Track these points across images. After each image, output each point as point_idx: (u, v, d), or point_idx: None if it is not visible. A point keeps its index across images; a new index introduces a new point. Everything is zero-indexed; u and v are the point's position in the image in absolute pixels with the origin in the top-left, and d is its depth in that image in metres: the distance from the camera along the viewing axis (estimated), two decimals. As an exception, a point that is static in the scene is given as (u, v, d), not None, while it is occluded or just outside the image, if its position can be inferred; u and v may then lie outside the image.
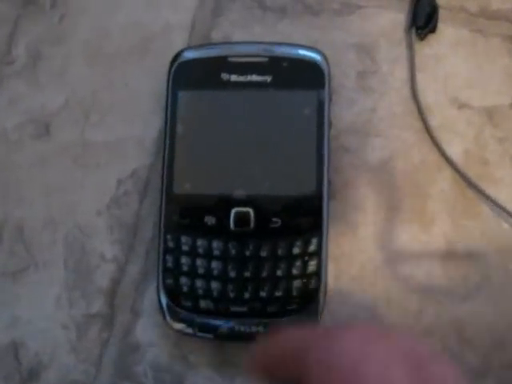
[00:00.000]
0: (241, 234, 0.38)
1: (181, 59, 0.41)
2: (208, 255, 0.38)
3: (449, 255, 0.41)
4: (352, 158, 0.42)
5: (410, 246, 0.41)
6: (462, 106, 0.43)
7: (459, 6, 0.44)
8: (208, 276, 0.38)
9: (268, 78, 0.39)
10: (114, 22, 0.45)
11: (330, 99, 0.40)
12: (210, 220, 0.38)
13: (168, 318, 0.39)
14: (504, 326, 0.40)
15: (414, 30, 0.43)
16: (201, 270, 0.38)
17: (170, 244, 0.38)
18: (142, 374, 0.41)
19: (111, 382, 0.41)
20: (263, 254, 0.37)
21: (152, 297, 0.40)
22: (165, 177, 0.39)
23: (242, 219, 0.38)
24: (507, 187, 0.42)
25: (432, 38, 0.44)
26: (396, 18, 0.44)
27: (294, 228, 0.38)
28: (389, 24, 0.44)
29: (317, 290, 0.38)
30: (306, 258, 0.38)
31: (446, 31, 0.44)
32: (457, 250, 0.41)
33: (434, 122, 0.43)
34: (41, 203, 0.43)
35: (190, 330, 0.38)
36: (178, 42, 0.44)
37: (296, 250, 0.37)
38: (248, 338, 0.38)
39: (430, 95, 0.43)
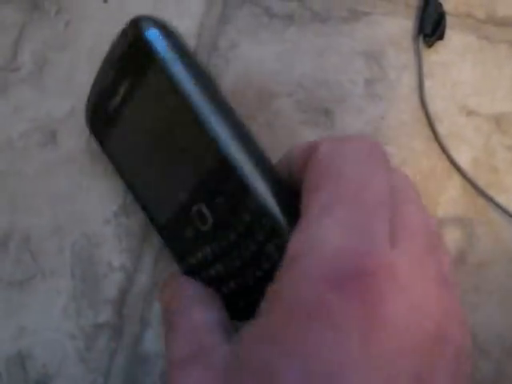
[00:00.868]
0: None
1: None
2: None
3: (459, 263, 0.41)
4: (361, 166, 0.42)
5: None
6: (470, 113, 0.43)
7: (466, 13, 0.44)
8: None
9: None
10: (120, 27, 0.44)
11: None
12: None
13: None
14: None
15: (421, 37, 0.43)
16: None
17: None
18: (151, 385, 0.40)
19: (120, 393, 0.40)
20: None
21: (161, 306, 0.40)
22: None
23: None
24: (516, 195, 0.42)
25: (439, 45, 0.44)
26: (403, 25, 0.44)
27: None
28: (396, 31, 0.44)
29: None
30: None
31: (454, 38, 0.44)
32: (467, 257, 0.41)
33: (442, 129, 0.42)
34: (47, 212, 0.42)
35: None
36: (186, 49, 0.44)
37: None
38: None
39: (438, 102, 0.43)
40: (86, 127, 0.40)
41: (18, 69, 0.45)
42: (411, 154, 0.42)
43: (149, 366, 0.40)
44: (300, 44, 0.44)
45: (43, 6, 0.45)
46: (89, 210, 0.42)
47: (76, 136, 0.43)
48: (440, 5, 0.43)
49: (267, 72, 0.43)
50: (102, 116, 0.36)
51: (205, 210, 0.31)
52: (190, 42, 0.44)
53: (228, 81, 0.43)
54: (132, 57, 0.34)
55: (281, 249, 0.27)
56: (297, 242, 0.25)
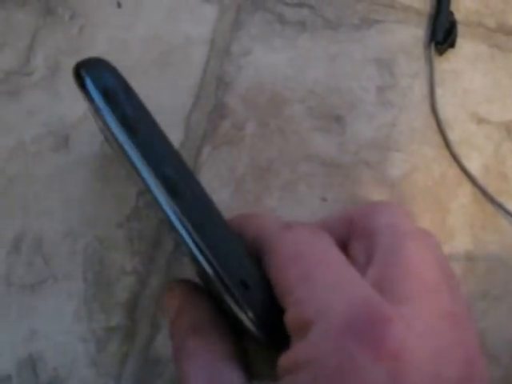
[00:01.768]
0: None
1: None
2: None
3: (469, 269, 0.41)
4: (373, 173, 0.42)
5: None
6: (480, 120, 0.43)
7: (477, 22, 0.45)
8: None
9: None
10: (134, 34, 0.45)
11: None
12: None
13: None
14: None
15: (433, 45, 0.44)
16: None
17: None
18: (162, 388, 0.40)
19: (131, 396, 0.41)
20: None
21: (172, 310, 0.40)
22: None
23: None
24: (526, 202, 0.42)
25: (451, 53, 0.44)
26: (415, 33, 0.44)
27: None
28: (408, 39, 0.44)
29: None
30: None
31: (465, 46, 0.44)
32: (477, 264, 0.41)
33: (453, 136, 0.43)
34: (60, 215, 0.43)
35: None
36: (198, 55, 0.44)
37: None
38: None
39: (449, 110, 0.43)
40: (98, 132, 0.41)
41: (31, 73, 0.45)
42: (422, 161, 0.42)
43: (160, 370, 0.41)
44: (312, 51, 0.44)
45: (57, 10, 0.45)
46: (101, 214, 0.43)
47: (88, 140, 0.44)
48: (451, 13, 0.44)
49: (279, 78, 0.44)
50: None
51: None
52: (204, 48, 0.44)
53: (240, 86, 0.44)
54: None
55: None
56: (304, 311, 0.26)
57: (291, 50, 0.44)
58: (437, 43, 0.43)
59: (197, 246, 0.28)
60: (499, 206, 0.42)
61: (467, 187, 0.42)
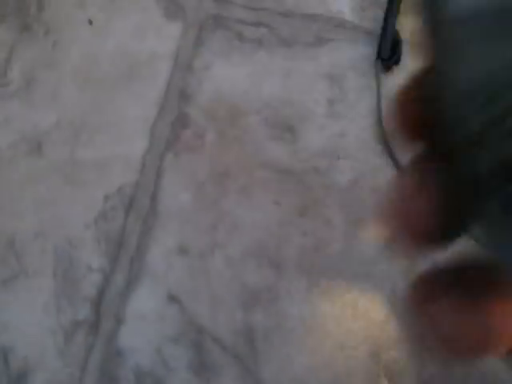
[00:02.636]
0: None
1: None
2: None
3: (412, 267, 0.44)
4: (323, 179, 0.46)
5: (376, 260, 0.44)
6: (423, 132, 0.47)
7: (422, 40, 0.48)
8: None
9: None
10: (104, 49, 0.49)
11: None
12: None
13: None
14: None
15: (379, 62, 0.47)
16: None
17: None
18: (124, 378, 0.43)
19: (95, 385, 0.44)
20: None
21: (135, 304, 0.44)
22: None
23: None
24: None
25: (397, 69, 0.48)
26: (363, 51, 0.48)
27: None
28: (357, 56, 0.48)
29: None
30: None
31: (410, 63, 0.48)
32: (419, 263, 0.45)
33: (397, 146, 0.46)
34: (32, 217, 0.46)
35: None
36: (163, 69, 0.48)
37: None
38: None
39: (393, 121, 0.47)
40: (70, 139, 0.44)
41: (7, 84, 0.48)
42: (368, 168, 0.46)
43: (123, 360, 0.44)
44: (268, 66, 0.48)
45: (33, 27, 0.49)
46: (70, 216, 0.46)
47: (60, 147, 0.47)
48: (397, 33, 0.48)
49: (238, 91, 0.47)
50: None
51: None
52: (168, 63, 0.48)
53: (201, 99, 0.47)
54: None
55: None
56: None
57: (249, 65, 0.48)
58: (383, 60, 0.47)
59: None
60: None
61: (410, 193, 0.46)
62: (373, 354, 0.43)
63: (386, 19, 0.48)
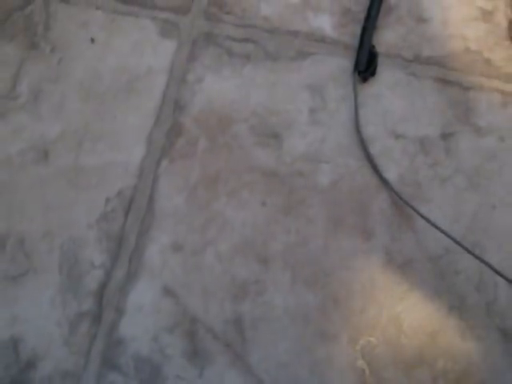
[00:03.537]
0: None
1: None
2: None
3: (387, 261, 0.48)
4: (305, 181, 0.50)
5: (353, 254, 0.48)
6: (398, 136, 0.51)
7: (396, 54, 0.53)
8: None
9: None
10: (105, 65, 0.53)
11: None
12: None
13: None
14: (440, 319, 0.47)
15: (356, 74, 0.51)
16: None
17: None
18: (124, 364, 0.47)
19: (98, 372, 0.47)
20: None
21: (134, 297, 0.48)
22: None
23: None
24: (436, 206, 0.49)
25: (373, 80, 0.52)
26: (342, 64, 0.52)
27: None
28: (336, 68, 0.52)
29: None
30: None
31: (385, 74, 0.52)
32: (394, 257, 0.48)
33: (374, 150, 0.50)
34: (40, 218, 0.50)
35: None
36: (159, 82, 0.52)
37: None
38: None
39: (370, 128, 0.51)
40: (74, 147, 0.49)
41: (16, 98, 0.53)
42: (347, 171, 0.50)
43: (123, 348, 0.47)
44: (255, 79, 0.52)
45: (39, 44, 0.54)
46: (75, 217, 0.50)
47: (65, 154, 0.51)
48: (373, 46, 0.52)
49: (227, 102, 0.52)
50: None
51: None
52: (164, 77, 0.52)
53: (194, 109, 0.52)
54: None
55: None
56: None
57: (237, 78, 0.52)
58: (360, 72, 0.51)
59: None
60: (413, 209, 0.49)
61: (386, 194, 0.50)
62: (351, 339, 0.46)
63: (362, 34, 0.52)
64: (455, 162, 0.50)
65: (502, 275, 0.45)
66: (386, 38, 0.53)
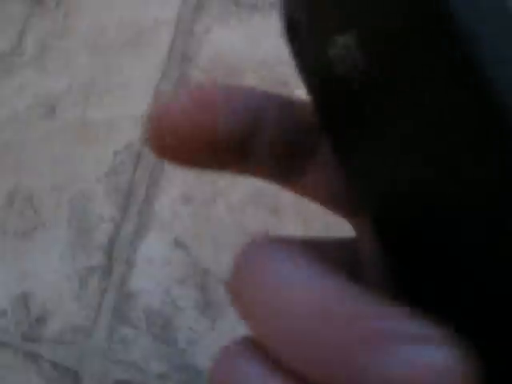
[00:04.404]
0: None
1: None
2: None
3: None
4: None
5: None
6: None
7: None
8: None
9: None
10: (110, 18, 0.52)
11: None
12: None
13: None
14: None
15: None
16: None
17: None
18: (136, 318, 0.47)
19: (109, 326, 0.47)
20: None
21: (144, 250, 0.47)
22: None
23: None
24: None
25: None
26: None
27: None
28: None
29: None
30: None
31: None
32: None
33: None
34: (48, 173, 0.50)
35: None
36: (165, 35, 0.51)
37: None
38: None
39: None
40: (81, 101, 0.48)
41: (22, 54, 0.52)
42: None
43: (134, 302, 0.47)
44: (263, 28, 0.51)
45: (44, 0, 0.53)
46: (83, 171, 0.50)
47: (72, 109, 0.51)
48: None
49: (235, 52, 0.51)
50: None
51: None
52: (170, 29, 0.52)
53: (202, 60, 0.51)
54: None
55: None
56: None
57: (245, 28, 0.51)
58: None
59: None
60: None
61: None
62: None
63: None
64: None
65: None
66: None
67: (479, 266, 0.11)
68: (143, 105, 0.50)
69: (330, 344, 0.11)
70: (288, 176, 0.16)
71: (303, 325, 0.11)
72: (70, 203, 0.49)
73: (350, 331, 0.11)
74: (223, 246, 0.47)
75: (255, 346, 0.13)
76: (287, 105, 0.16)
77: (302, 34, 0.15)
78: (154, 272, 0.47)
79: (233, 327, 0.45)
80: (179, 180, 0.49)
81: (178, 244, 0.47)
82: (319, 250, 0.14)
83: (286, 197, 0.47)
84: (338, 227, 0.47)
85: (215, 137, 0.14)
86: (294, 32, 0.16)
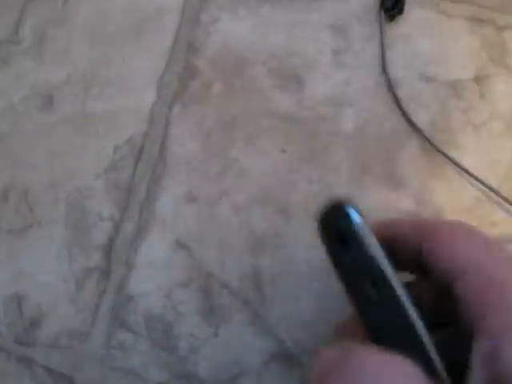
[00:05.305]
0: None
1: None
2: None
3: (417, 213, 0.45)
4: (328, 126, 0.46)
5: (380, 205, 0.45)
6: (428, 79, 0.47)
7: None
8: None
9: None
10: (112, 5, 0.50)
11: None
12: None
13: None
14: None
15: (382, 12, 0.48)
16: None
17: None
18: (135, 322, 0.44)
19: (107, 330, 0.44)
20: None
21: (145, 251, 0.44)
22: None
23: None
24: (469, 152, 0.46)
25: (401, 19, 0.48)
26: (367, 1, 0.49)
27: None
28: (360, 7, 0.48)
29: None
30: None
31: (414, 13, 0.48)
32: (425, 206, 0.45)
33: (402, 94, 0.47)
34: (44, 168, 0.47)
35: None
36: (170, 23, 0.49)
37: None
38: None
39: (398, 70, 0.47)
40: (80, 92, 0.45)
41: (19, 42, 0.49)
42: (373, 116, 0.46)
43: (133, 306, 0.44)
44: (273, 19, 0.48)
45: (43, -14, 0.50)
46: (81, 167, 0.47)
47: (71, 101, 0.48)
48: (401, -17, 0.48)
49: (244, 43, 0.48)
50: None
51: None
52: (175, 17, 0.49)
53: (209, 51, 0.48)
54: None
55: None
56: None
57: (255, 18, 0.48)
58: (386, 9, 0.48)
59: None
60: (444, 155, 0.45)
61: (415, 140, 0.46)
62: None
63: (389, -31, 0.48)
64: (490, 106, 0.46)
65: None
66: (415, -25, 0.50)
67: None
68: (146, 97, 0.47)
69: None
70: None
71: None
72: (68, 200, 0.46)
73: None
74: (228, 247, 0.45)
75: None
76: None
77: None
78: (154, 274, 0.44)
79: (238, 334, 0.43)
80: (183, 177, 0.46)
81: (181, 245, 0.45)
82: None
83: (294, 196, 0.45)
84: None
85: None
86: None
